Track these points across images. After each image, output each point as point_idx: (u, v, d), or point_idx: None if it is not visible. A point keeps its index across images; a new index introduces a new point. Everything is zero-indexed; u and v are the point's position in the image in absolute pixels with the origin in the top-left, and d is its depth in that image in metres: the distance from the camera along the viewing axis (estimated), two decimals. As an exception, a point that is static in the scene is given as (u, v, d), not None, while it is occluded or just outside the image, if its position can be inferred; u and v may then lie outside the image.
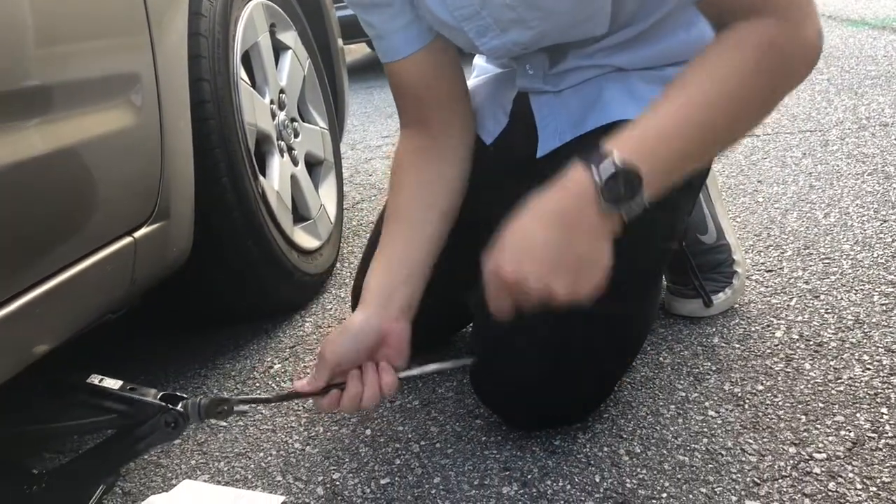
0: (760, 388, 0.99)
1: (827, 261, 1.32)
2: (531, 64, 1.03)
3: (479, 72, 1.18)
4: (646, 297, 0.99)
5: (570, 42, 0.97)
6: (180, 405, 0.88)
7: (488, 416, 1.02)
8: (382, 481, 0.92)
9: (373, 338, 0.89)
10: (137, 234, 1.01)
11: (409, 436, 1.00)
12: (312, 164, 1.64)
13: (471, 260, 0.82)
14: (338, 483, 0.93)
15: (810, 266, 1.31)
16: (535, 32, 0.92)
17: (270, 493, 0.93)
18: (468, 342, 1.22)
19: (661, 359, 1.10)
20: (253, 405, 1.04)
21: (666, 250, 1.01)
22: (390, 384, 0.89)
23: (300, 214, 1.52)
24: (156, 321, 1.49)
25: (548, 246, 0.74)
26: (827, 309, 1.16)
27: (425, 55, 0.98)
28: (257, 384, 1.23)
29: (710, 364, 1.06)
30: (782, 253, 1.38)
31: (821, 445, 0.86)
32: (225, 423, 1.10)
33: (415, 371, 0.92)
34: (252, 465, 0.99)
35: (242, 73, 1.30)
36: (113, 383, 0.91)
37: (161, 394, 0.90)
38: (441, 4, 0.93)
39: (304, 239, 1.48)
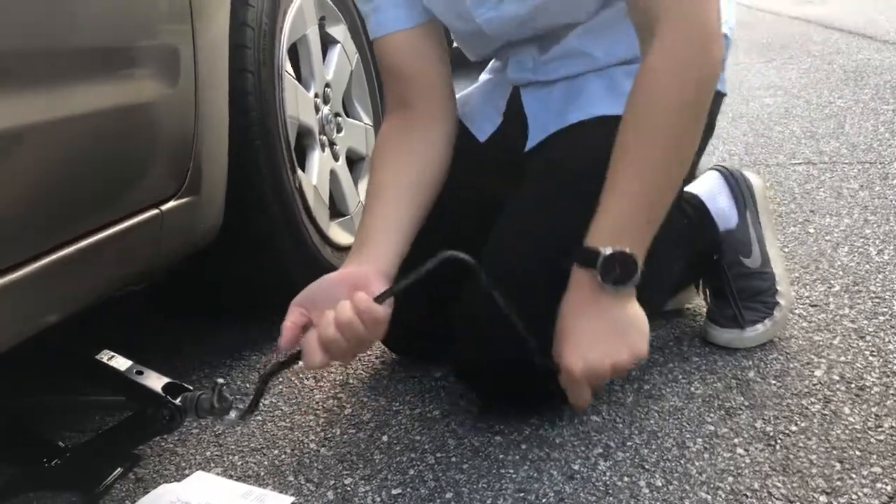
0: (794, 429, 0.94)
1: (877, 300, 1.26)
2: (522, 55, 1.08)
3: (481, 81, 1.22)
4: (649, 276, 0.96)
5: (559, 27, 1.02)
6: (179, 399, 0.87)
7: (509, 433, 0.99)
8: (394, 491, 0.90)
9: (336, 279, 0.89)
10: (165, 206, 1.01)
11: (426, 446, 0.98)
12: (354, 160, 1.63)
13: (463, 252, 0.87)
14: (349, 489, 0.91)
15: (858, 304, 1.25)
16: (530, 6, 0.97)
17: (281, 492, 0.92)
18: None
19: (692, 389, 1.06)
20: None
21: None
22: (360, 298, 0.82)
23: (337, 210, 1.51)
24: (185, 307, 1.49)
25: (592, 333, 0.86)
26: (872, 351, 1.11)
27: (415, 35, 1.03)
28: (280, 378, 1.22)
29: (742, 399, 1.02)
30: (829, 288, 1.32)
31: (854, 497, 0.82)
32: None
33: (392, 288, 0.85)
34: (266, 462, 0.98)
35: (288, 66, 1.29)
36: (122, 363, 0.90)
37: (167, 382, 0.89)
38: None
39: (340, 235, 1.47)
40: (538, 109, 1.08)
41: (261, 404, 1.12)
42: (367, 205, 1.00)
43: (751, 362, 1.11)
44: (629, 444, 0.94)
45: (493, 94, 1.17)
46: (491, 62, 1.22)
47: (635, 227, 0.87)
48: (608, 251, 0.84)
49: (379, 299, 0.83)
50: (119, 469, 0.97)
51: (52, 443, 0.99)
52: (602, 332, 0.86)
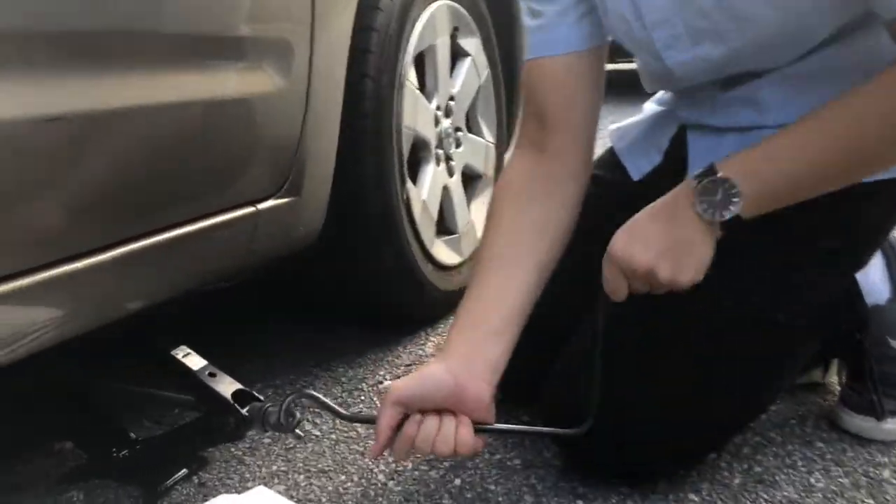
0: (933, 550, 0.80)
1: None
2: (700, 92, 0.96)
3: (645, 112, 1.10)
4: (779, 350, 0.92)
5: (751, 70, 0.90)
6: (247, 408, 0.83)
7: (593, 498, 0.90)
8: (457, 544, 0.83)
9: (447, 390, 0.80)
10: (262, 205, 0.98)
11: (500, 499, 0.90)
12: (470, 178, 1.57)
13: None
14: (410, 533, 0.85)
15: None
16: (728, 49, 0.85)
17: (340, 523, 0.86)
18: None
19: (812, 480, 0.92)
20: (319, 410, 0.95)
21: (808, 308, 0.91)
22: (465, 435, 0.79)
23: (446, 227, 1.45)
24: (279, 308, 1.48)
25: (651, 231, 0.83)
26: None
27: (577, 61, 0.92)
28: (362, 396, 1.17)
29: (872, 502, 0.88)
30: None
31: None
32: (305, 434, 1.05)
33: (499, 426, 0.83)
34: (330, 488, 0.93)
35: (411, 75, 1.25)
36: (196, 362, 0.88)
37: (237, 389, 0.85)
38: (630, 7, 0.87)
39: (444, 253, 1.41)
40: (703, 157, 0.95)
41: (337, 422, 1.08)
42: (480, 278, 0.90)
43: (887, 459, 0.96)
44: (730, 535, 0.83)
45: (655, 129, 1.06)
46: (661, 92, 1.10)
47: (768, 180, 0.80)
48: (722, 175, 0.79)
49: (479, 430, 0.82)
50: (184, 470, 0.95)
51: (125, 433, 0.97)
52: (662, 240, 0.82)
